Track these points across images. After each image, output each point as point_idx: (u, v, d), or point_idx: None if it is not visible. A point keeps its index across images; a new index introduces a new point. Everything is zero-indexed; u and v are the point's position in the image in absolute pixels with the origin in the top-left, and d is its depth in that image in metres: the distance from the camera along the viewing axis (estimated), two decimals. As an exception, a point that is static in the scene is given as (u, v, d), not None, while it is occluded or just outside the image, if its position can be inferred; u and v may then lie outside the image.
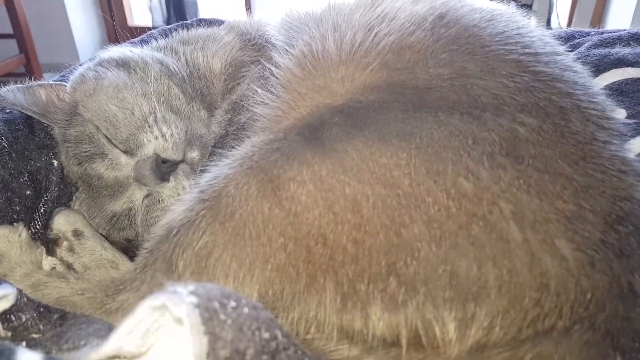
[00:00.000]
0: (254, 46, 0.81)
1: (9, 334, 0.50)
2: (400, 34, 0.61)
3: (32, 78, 2.22)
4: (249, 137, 0.62)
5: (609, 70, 0.83)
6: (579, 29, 1.00)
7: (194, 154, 0.71)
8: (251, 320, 0.38)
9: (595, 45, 0.90)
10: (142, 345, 0.38)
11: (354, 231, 0.50)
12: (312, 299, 0.51)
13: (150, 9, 3.60)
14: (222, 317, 0.36)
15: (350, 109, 0.57)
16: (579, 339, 0.46)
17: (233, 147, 0.60)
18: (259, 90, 0.65)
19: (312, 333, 0.52)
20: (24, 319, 0.51)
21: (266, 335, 0.39)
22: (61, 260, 0.69)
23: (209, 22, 1.02)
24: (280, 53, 0.68)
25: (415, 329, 0.48)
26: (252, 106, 0.66)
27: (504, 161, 0.50)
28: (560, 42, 0.95)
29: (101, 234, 0.73)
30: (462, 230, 0.48)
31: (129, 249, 0.73)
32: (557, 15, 3.14)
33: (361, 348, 0.51)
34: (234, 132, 0.70)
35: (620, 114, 0.77)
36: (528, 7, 2.83)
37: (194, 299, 0.36)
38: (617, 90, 0.80)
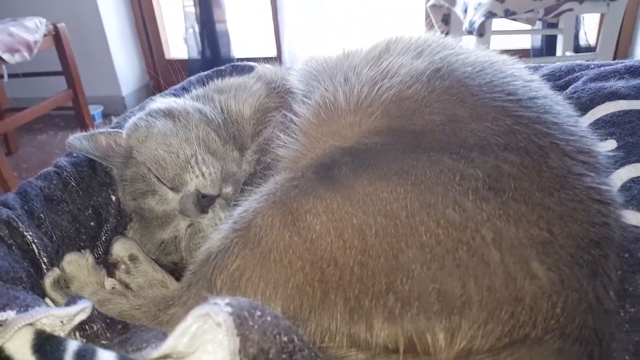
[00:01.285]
0: (278, 93, 0.94)
1: (84, 340, 0.63)
2: (400, 87, 0.72)
3: (79, 111, 2.40)
4: (273, 175, 0.73)
5: (603, 103, 0.90)
6: (580, 63, 1.07)
7: (228, 190, 0.83)
8: (273, 326, 0.49)
9: (591, 79, 0.97)
10: (190, 347, 0.50)
11: (359, 255, 0.59)
12: (325, 313, 0.61)
13: (186, 41, 3.81)
14: (251, 323, 0.48)
15: (357, 150, 0.67)
16: (551, 346, 0.55)
17: (260, 184, 0.71)
18: (281, 135, 0.77)
19: (326, 342, 0.62)
20: (95, 328, 0.63)
21: (285, 338, 0.50)
22: (120, 281, 0.82)
23: (240, 69, 1.16)
24: (299, 102, 0.80)
25: (411, 338, 0.57)
26: (275, 149, 0.78)
27: (487, 194, 0.59)
28: (559, 76, 1.04)
29: (152, 259, 0.86)
30: (449, 254, 0.57)
31: (175, 271, 0.85)
32: (585, 32, 3.18)
33: (367, 354, 0.60)
34: (261, 171, 0.82)
35: (611, 144, 0.84)
36: (554, 25, 2.87)
37: (229, 309, 0.47)
38: (609, 122, 0.87)
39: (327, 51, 0.90)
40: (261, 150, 0.85)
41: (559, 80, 1.03)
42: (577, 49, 3.05)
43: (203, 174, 0.81)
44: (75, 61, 2.95)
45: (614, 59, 2.67)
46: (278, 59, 3.67)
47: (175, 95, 1.03)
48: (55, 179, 0.82)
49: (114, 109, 3.60)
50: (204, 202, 0.81)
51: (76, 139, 0.86)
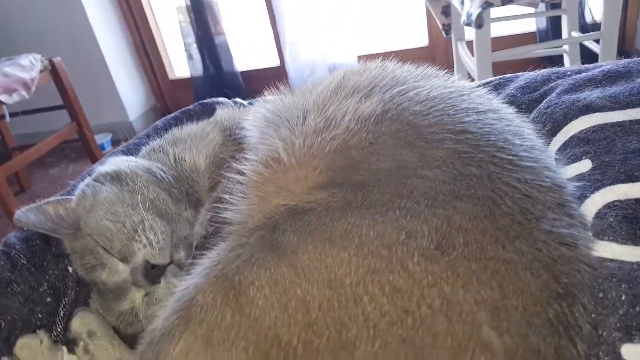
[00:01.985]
0: (235, 141, 0.89)
1: None
2: (344, 137, 0.67)
3: (85, 142, 2.41)
4: (219, 242, 0.69)
5: (577, 117, 0.82)
6: (556, 70, 0.99)
7: (180, 255, 0.78)
8: None
9: (566, 91, 0.89)
10: None
11: (303, 332, 0.54)
12: None
13: (190, 57, 3.78)
14: None
15: (302, 210, 0.63)
16: None
17: (211, 249, 0.67)
18: (226, 197, 0.73)
19: None
20: None
21: None
22: (79, 358, 0.78)
23: (209, 107, 1.11)
24: (247, 157, 0.75)
25: None
26: (223, 213, 0.73)
27: (434, 254, 0.54)
28: (534, 88, 0.97)
29: (114, 330, 0.82)
30: (393, 328, 0.51)
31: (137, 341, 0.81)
32: (590, 9, 3.05)
33: None
34: (212, 233, 0.77)
35: (585, 165, 0.77)
36: (557, 6, 2.76)
37: None
38: (584, 140, 0.79)
39: (285, 93, 0.85)
40: (213, 209, 0.80)
41: (534, 93, 0.95)
42: (584, 27, 2.92)
43: (151, 243, 0.76)
44: (76, 93, 2.96)
45: (620, 35, 2.55)
46: (282, 67, 3.63)
47: (128, 151, 0.99)
48: (2, 260, 0.79)
49: (123, 135, 3.61)
50: (154, 273, 0.77)
51: (22, 214, 0.83)
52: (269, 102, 0.85)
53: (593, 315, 0.56)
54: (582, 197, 0.70)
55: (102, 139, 3.44)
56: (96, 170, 0.89)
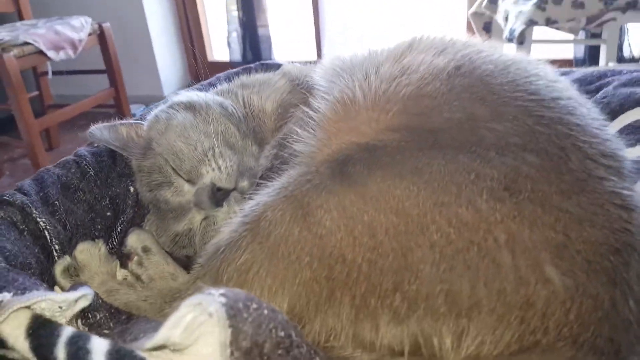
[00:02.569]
0: (302, 90, 0.92)
1: (86, 329, 0.62)
2: (419, 84, 0.69)
3: (120, 110, 2.46)
4: (288, 170, 0.72)
5: (633, 108, 0.86)
6: (612, 68, 1.03)
7: (244, 184, 0.82)
8: (269, 320, 0.47)
9: (623, 84, 0.92)
10: (186, 338, 0.48)
11: (368, 253, 0.57)
12: (331, 311, 0.59)
13: (229, 45, 3.86)
14: (245, 315, 0.46)
15: (373, 147, 0.65)
16: (564, 355, 0.51)
17: (275, 179, 0.70)
18: (299, 130, 0.76)
19: (331, 342, 0.59)
20: (98, 317, 0.63)
21: (281, 333, 0.48)
22: (131, 272, 0.81)
23: (268, 66, 1.15)
24: (319, 99, 0.78)
25: (417, 340, 0.55)
26: (292, 144, 0.76)
27: (502, 195, 0.56)
28: (590, 82, 0.99)
29: (166, 251, 0.85)
30: (459, 255, 0.54)
31: (188, 265, 0.84)
32: (629, 43, 3.06)
33: (372, 356, 0.58)
34: (278, 166, 0.80)
35: (639, 151, 0.80)
36: (597, 36, 2.78)
37: (222, 299, 0.46)
38: (639, 128, 0.83)
39: (355, 50, 0.88)
40: (279, 145, 0.84)
41: (590, 85, 0.98)
42: (621, 60, 2.93)
43: (219, 167, 0.80)
44: (119, 60, 3.02)
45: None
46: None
47: (200, 90, 1.03)
48: (73, 168, 0.83)
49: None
50: (219, 195, 0.80)
51: (97, 129, 0.86)
52: (338, 58, 0.88)
53: None
54: (635, 182, 0.72)
55: (136, 109, 3.49)
56: (170, 99, 0.93)
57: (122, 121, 0.90)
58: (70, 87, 3.48)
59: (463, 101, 0.66)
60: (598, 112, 0.73)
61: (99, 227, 0.82)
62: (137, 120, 0.92)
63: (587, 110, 0.69)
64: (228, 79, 1.07)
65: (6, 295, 0.50)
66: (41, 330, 0.50)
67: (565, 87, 0.72)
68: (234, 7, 3.74)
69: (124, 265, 0.83)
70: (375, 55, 0.82)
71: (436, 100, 0.67)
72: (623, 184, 0.61)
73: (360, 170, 0.62)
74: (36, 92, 3.14)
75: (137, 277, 0.80)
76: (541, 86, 0.68)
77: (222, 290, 0.47)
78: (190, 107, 0.87)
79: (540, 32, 2.54)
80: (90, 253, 0.77)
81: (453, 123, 0.64)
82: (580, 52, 3.12)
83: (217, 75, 1.16)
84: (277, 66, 1.17)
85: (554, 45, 3.17)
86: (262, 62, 1.23)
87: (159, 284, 0.77)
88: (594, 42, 2.85)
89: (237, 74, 1.10)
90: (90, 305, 0.60)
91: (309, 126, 0.75)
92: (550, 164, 0.59)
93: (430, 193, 0.58)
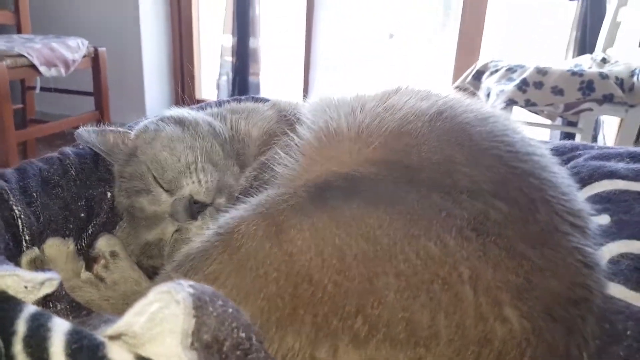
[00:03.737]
0: (288, 121, 0.96)
1: (45, 317, 0.62)
2: (401, 122, 0.73)
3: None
4: (267, 190, 0.74)
5: (601, 180, 0.91)
6: (585, 143, 1.09)
7: (221, 200, 0.84)
8: (233, 319, 0.48)
9: (593, 157, 0.98)
10: (148, 330, 0.48)
11: (335, 275, 0.58)
12: (292, 329, 0.59)
13: (218, 86, 3.94)
14: (210, 309, 0.47)
15: (352, 177, 0.68)
16: None
17: (252, 197, 0.72)
18: (282, 154, 0.79)
19: None
20: (59, 307, 0.63)
21: (242, 334, 0.48)
22: (96, 275, 0.81)
23: (257, 100, 1.19)
24: (304, 127, 0.82)
25: None
26: (274, 166, 0.79)
27: (470, 234, 0.59)
28: (562, 152, 1.05)
29: (132, 260, 0.85)
30: (423, 286, 0.56)
31: (153, 276, 0.84)
32: (604, 135, 3.20)
33: None
34: (256, 187, 0.83)
35: (604, 219, 0.84)
36: (573, 124, 2.90)
37: (191, 290, 0.47)
38: (605, 199, 0.87)
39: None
40: (261, 167, 0.86)
41: (562, 156, 1.04)
42: (595, 149, 3.05)
43: (200, 181, 0.82)
44: (108, 85, 3.04)
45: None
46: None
47: (191, 109, 1.06)
48: (56, 164, 0.84)
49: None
50: (195, 208, 0.82)
51: (85, 131, 0.88)
52: (326, 96, 0.92)
53: (597, 341, 0.60)
54: (598, 244, 0.76)
55: (117, 135, 3.49)
56: (161, 113, 0.95)
57: (110, 127, 0.92)
58: (54, 106, 3.48)
59: (442, 143, 0.70)
60: (568, 175, 0.76)
61: (71, 226, 0.83)
62: (125, 129, 0.94)
63: (559, 169, 0.73)
64: (219, 104, 1.10)
65: (-26, 264, 0.50)
66: (4, 304, 0.50)
67: (538, 145, 0.76)
68: (228, 54, 3.84)
69: (88, 267, 0.83)
70: (362, 96, 0.86)
71: (416, 140, 0.71)
72: (586, 241, 0.64)
73: (337, 196, 0.65)
74: (20, 105, 3.13)
75: (101, 280, 0.80)
76: (517, 140, 0.72)
77: (191, 282, 0.48)
78: (179, 121, 0.90)
79: (519, 114, 2.65)
80: (59, 249, 0.77)
81: (430, 163, 0.67)
82: (557, 138, 3.25)
83: (208, 101, 1.20)
84: (266, 100, 1.22)
85: (532, 128, 3.30)
86: (252, 95, 1.27)
87: (122, 287, 0.77)
88: (570, 129, 2.97)
89: (228, 101, 1.14)
90: (53, 293, 0.60)
91: (292, 151, 0.78)
92: (518, 213, 0.62)
93: (401, 224, 0.60)
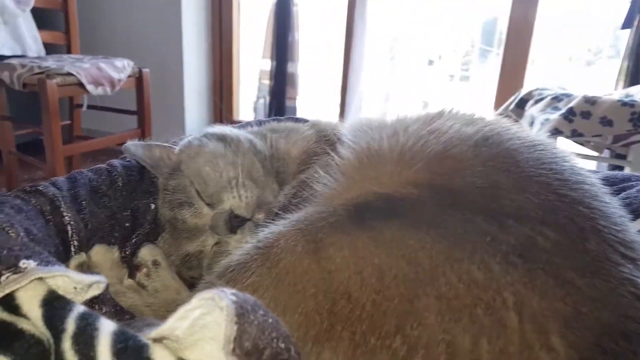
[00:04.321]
0: (328, 141, 0.97)
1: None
2: (445, 145, 0.72)
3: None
4: (306, 207, 0.75)
5: (655, 212, 0.88)
6: (638, 174, 1.06)
7: (260, 215, 0.85)
8: (273, 329, 0.49)
9: (646, 189, 0.95)
10: (190, 335, 0.50)
11: (374, 294, 0.58)
12: (329, 345, 0.59)
13: (255, 109, 4.01)
14: (251, 317, 0.48)
15: (393, 197, 0.68)
16: None
17: (291, 214, 0.73)
18: (322, 173, 0.80)
19: None
20: (104, 310, 0.65)
21: (282, 345, 0.49)
22: (138, 282, 0.84)
23: (297, 119, 1.22)
24: (345, 147, 0.83)
25: None
26: (313, 184, 0.80)
27: (516, 260, 0.57)
28: (613, 183, 1.03)
29: (173, 269, 0.87)
30: (466, 309, 0.55)
31: (193, 286, 0.86)
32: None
33: None
34: (295, 204, 0.84)
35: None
36: (622, 157, 2.79)
37: (234, 297, 0.48)
38: None
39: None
40: (299, 186, 0.88)
41: (613, 187, 1.00)
42: (646, 185, 2.95)
43: (240, 196, 0.84)
44: (151, 105, 3.14)
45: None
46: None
47: (233, 127, 1.09)
48: (104, 175, 0.87)
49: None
50: (234, 223, 0.84)
51: (133, 145, 0.92)
52: (367, 119, 0.93)
53: None
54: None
55: (156, 153, 3.58)
56: (205, 130, 0.98)
57: (156, 142, 0.95)
58: (100, 123, 3.61)
59: (487, 169, 0.69)
60: (620, 206, 0.73)
61: (116, 234, 0.86)
62: (171, 145, 0.98)
63: (610, 199, 0.70)
64: (259, 123, 1.13)
65: (31, 263, 0.53)
66: (55, 302, 0.52)
67: (588, 174, 0.74)
68: (266, 77, 3.92)
69: (131, 275, 0.85)
70: (404, 119, 0.87)
71: (461, 164, 0.70)
72: (638, 273, 0.61)
73: (377, 216, 0.65)
74: (68, 122, 3.25)
75: (143, 287, 0.83)
76: (566, 168, 0.70)
77: (234, 290, 0.50)
78: (222, 138, 0.93)
79: (563, 145, 2.58)
80: (104, 256, 0.80)
81: (475, 187, 0.66)
82: (604, 170, 3.15)
83: (249, 121, 1.23)
84: (306, 121, 1.24)
85: (578, 160, 3.19)
86: (291, 116, 1.30)
87: (163, 294, 0.79)
88: (619, 162, 2.86)
89: (268, 120, 1.17)
90: (99, 296, 0.62)
91: (332, 170, 0.79)
92: (567, 241, 0.60)
93: (444, 247, 0.59)
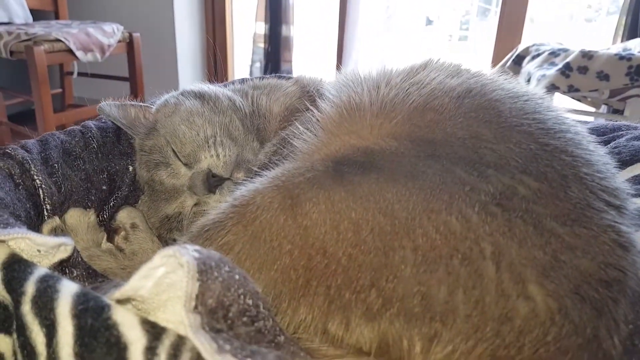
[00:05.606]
0: (310, 97, 0.94)
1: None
2: (427, 98, 0.70)
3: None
4: (284, 164, 0.73)
5: (643, 161, 0.86)
6: (628, 123, 1.04)
7: (239, 174, 0.83)
8: (239, 285, 0.47)
9: (635, 138, 0.92)
10: (155, 295, 0.48)
11: (350, 248, 0.57)
12: (304, 301, 0.58)
13: (251, 73, 3.96)
14: (215, 274, 0.46)
15: (371, 150, 0.66)
16: None
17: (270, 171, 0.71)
18: (301, 128, 0.77)
19: (299, 333, 0.59)
20: (75, 274, 0.63)
21: (249, 301, 0.48)
22: (116, 245, 0.82)
23: (282, 77, 1.18)
24: (326, 101, 0.80)
25: (386, 340, 0.54)
26: (293, 140, 0.78)
27: (495, 210, 0.56)
28: (603, 132, 1.00)
29: (152, 232, 0.86)
30: (442, 260, 0.54)
31: (172, 248, 0.85)
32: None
33: (338, 352, 0.57)
34: (275, 162, 0.82)
35: (643, 201, 0.79)
36: (619, 112, 2.77)
37: (196, 254, 0.46)
38: None
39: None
40: (280, 142, 0.85)
41: (603, 136, 0.99)
42: (641, 139, 2.93)
43: (218, 155, 0.81)
44: (142, 70, 3.09)
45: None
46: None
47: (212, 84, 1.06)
48: (78, 137, 0.84)
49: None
50: (213, 182, 0.81)
51: (107, 105, 0.89)
52: (352, 72, 0.90)
53: (631, 326, 0.56)
54: (636, 225, 0.71)
55: (151, 120, 3.55)
56: (182, 88, 0.95)
57: (132, 102, 0.92)
58: (91, 90, 3.56)
59: (469, 120, 0.67)
60: (605, 154, 0.72)
61: (92, 197, 0.83)
62: (147, 104, 0.95)
63: (594, 147, 0.69)
64: (242, 81, 1.09)
65: (-12, 226, 0.51)
66: (15, 265, 0.50)
67: (573, 123, 0.72)
68: (261, 40, 3.85)
69: (110, 239, 0.83)
70: (389, 71, 0.84)
71: (442, 116, 0.68)
72: (622, 220, 0.61)
73: (355, 170, 0.63)
74: (59, 90, 3.21)
75: (120, 251, 0.81)
76: (550, 117, 0.69)
77: (197, 247, 0.48)
78: (199, 96, 0.90)
79: (560, 102, 2.55)
80: (80, 219, 0.78)
81: (455, 138, 0.65)
82: (601, 125, 3.12)
83: (233, 80, 1.19)
84: (291, 78, 1.20)
85: (574, 115, 3.17)
86: (278, 73, 1.26)
87: (140, 257, 0.77)
88: (615, 117, 2.85)
89: (252, 78, 1.13)
90: (69, 259, 0.60)
91: (312, 125, 0.77)
92: (548, 189, 0.59)
93: (421, 199, 0.58)
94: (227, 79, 3.48)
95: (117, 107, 0.90)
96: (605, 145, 0.95)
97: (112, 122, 0.92)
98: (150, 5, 3.62)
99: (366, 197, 0.60)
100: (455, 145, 0.64)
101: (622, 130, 1.00)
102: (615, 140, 0.96)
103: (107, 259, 0.72)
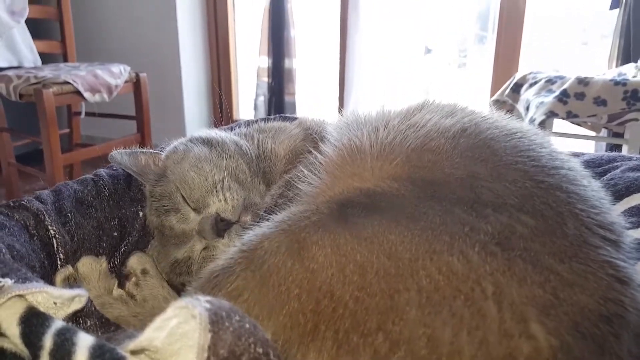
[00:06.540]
0: (314, 140, 0.97)
1: (75, 333, 0.64)
2: (424, 140, 0.73)
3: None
4: (290, 207, 0.75)
5: (638, 192, 0.88)
6: (623, 154, 1.05)
7: (247, 218, 0.85)
8: (250, 334, 0.49)
9: (630, 169, 0.94)
10: (169, 345, 0.49)
11: (356, 291, 0.58)
12: (313, 345, 0.59)
13: (255, 107, 4.01)
14: (227, 324, 0.48)
15: (374, 192, 0.68)
16: None
17: (277, 214, 0.73)
18: (306, 171, 0.80)
19: None
20: (88, 323, 0.65)
21: (260, 350, 0.49)
22: (127, 292, 0.84)
23: (287, 118, 1.21)
24: (328, 145, 0.83)
25: None
26: (298, 183, 0.80)
27: (494, 249, 0.57)
28: (599, 164, 1.02)
29: (163, 277, 0.87)
30: (445, 301, 0.55)
31: (183, 292, 0.86)
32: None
33: None
34: (281, 204, 0.84)
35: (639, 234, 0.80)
36: (619, 135, 2.79)
37: (207, 305, 0.48)
38: None
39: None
40: (286, 185, 0.88)
41: (599, 168, 1.01)
42: (643, 162, 2.93)
43: (226, 199, 0.84)
44: (149, 109, 3.14)
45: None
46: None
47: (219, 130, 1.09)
48: (90, 185, 0.87)
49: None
50: (221, 226, 0.83)
51: (118, 154, 0.92)
52: (352, 113, 0.93)
53: None
54: (634, 259, 0.72)
55: (158, 157, 3.59)
56: (191, 135, 0.98)
57: (142, 149, 0.95)
58: (99, 129, 3.62)
59: (465, 160, 0.69)
60: (600, 188, 0.74)
61: (104, 244, 0.86)
62: (157, 150, 0.97)
63: (589, 182, 0.71)
64: (248, 124, 1.13)
65: (8, 281, 0.53)
66: (33, 319, 0.52)
67: (567, 159, 0.75)
68: (264, 74, 3.92)
69: (121, 285, 0.85)
70: (387, 113, 0.87)
71: (439, 156, 0.70)
72: (619, 255, 0.61)
73: (358, 212, 0.65)
74: (67, 130, 3.26)
75: (132, 297, 0.83)
76: (544, 154, 0.71)
77: (208, 298, 0.49)
78: (207, 142, 0.93)
79: (560, 125, 2.57)
80: (92, 267, 0.80)
81: (453, 179, 0.67)
82: (602, 150, 3.13)
83: (238, 122, 1.23)
84: (295, 119, 1.23)
85: (576, 141, 3.19)
86: (282, 114, 1.29)
87: (151, 303, 0.79)
88: (615, 140, 2.85)
89: (257, 121, 1.17)
90: (83, 309, 0.62)
91: (315, 168, 0.79)
92: (545, 226, 0.60)
93: (423, 240, 0.59)
94: (231, 114, 3.52)
95: (128, 155, 0.93)
96: (601, 177, 0.97)
97: (123, 169, 0.94)
98: (156, 45, 3.71)
99: (370, 240, 0.61)
100: (453, 185, 0.66)
101: (617, 162, 1.01)
102: (610, 171, 0.97)
103: (118, 307, 0.73)
